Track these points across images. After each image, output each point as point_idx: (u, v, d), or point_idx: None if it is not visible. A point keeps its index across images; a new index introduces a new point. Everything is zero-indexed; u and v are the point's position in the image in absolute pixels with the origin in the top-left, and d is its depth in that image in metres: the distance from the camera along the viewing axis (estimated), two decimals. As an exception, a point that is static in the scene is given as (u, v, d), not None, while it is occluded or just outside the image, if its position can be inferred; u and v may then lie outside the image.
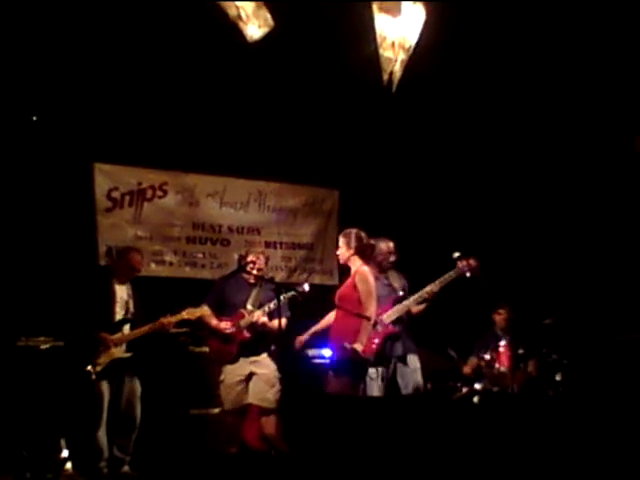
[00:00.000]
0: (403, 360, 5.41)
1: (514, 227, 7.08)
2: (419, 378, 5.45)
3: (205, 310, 5.24)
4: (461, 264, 5.38)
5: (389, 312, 5.35)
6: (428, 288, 5.40)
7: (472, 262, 5.40)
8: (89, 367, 4.98)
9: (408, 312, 5.46)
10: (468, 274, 5.39)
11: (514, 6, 5.44)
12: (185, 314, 5.21)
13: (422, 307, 5.51)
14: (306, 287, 5.16)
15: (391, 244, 5.61)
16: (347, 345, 4.72)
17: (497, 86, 6.30)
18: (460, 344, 6.49)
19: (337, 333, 4.93)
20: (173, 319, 5.21)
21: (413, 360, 5.46)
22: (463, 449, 3.76)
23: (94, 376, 4.99)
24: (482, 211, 7.20)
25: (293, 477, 4.24)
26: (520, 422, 3.97)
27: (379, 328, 5.22)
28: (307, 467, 4.05)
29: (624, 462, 3.65)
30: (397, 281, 5.57)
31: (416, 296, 5.41)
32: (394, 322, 5.36)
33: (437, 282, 5.40)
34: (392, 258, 5.59)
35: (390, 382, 5.34)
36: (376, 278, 5.42)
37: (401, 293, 5.47)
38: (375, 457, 3.75)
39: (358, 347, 4.72)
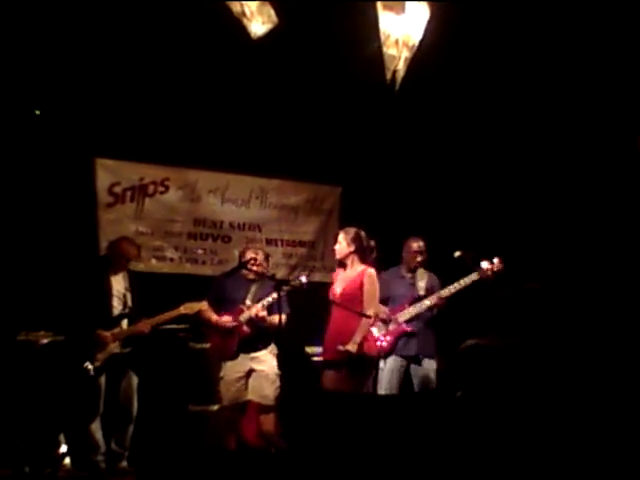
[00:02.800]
0: (417, 361, 5.39)
1: (515, 225, 7.05)
2: (431, 381, 5.41)
3: (203, 305, 5.25)
4: (486, 267, 5.25)
5: (404, 311, 5.34)
6: (446, 290, 5.35)
7: (498, 266, 5.25)
8: (87, 364, 5.00)
9: (430, 311, 5.41)
10: (492, 279, 5.25)
11: (519, 4, 5.42)
12: (183, 309, 5.22)
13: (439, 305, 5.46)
14: (303, 279, 5.12)
15: (421, 243, 5.56)
16: (341, 347, 4.73)
17: (501, 84, 6.28)
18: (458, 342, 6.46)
19: (339, 333, 4.89)
20: (171, 315, 5.23)
21: (428, 363, 5.42)
22: (462, 446, 3.76)
23: (92, 372, 5.02)
24: (485, 209, 7.18)
25: (291, 475, 4.23)
26: (522, 418, 3.96)
27: (392, 326, 5.21)
28: (305, 465, 4.04)
29: (623, 458, 3.63)
30: (423, 281, 5.52)
31: (434, 297, 5.37)
32: (410, 321, 5.35)
33: (457, 284, 5.33)
34: (419, 258, 5.54)
35: (405, 381, 5.34)
36: (401, 277, 5.41)
37: (422, 293, 5.43)
38: (374, 455, 3.74)
39: (351, 348, 4.72)
